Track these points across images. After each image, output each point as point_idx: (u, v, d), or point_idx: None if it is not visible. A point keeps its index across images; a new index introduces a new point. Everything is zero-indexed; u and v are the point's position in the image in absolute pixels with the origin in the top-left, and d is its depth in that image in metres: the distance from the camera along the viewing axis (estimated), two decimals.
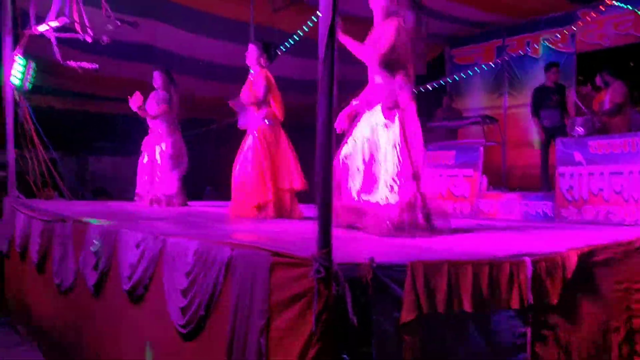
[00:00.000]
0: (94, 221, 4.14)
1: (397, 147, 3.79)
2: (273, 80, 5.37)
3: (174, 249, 3.03)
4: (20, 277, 5.70)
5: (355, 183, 3.99)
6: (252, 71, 5.51)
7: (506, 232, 4.49)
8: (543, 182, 7.56)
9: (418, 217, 3.76)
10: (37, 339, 5.04)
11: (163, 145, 6.63)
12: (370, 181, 3.92)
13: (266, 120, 5.29)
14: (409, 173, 3.81)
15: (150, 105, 6.66)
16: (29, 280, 5.36)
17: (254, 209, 5.07)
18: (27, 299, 5.45)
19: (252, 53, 5.41)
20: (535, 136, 8.69)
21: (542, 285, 2.63)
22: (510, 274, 2.53)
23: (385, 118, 3.84)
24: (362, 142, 3.98)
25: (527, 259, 2.61)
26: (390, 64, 3.88)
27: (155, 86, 6.71)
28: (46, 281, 4.77)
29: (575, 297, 2.78)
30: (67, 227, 4.41)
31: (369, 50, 3.87)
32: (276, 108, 5.32)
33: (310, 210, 4.90)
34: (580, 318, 2.78)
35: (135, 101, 6.48)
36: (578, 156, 5.93)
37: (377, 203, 3.79)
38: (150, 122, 6.74)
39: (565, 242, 3.18)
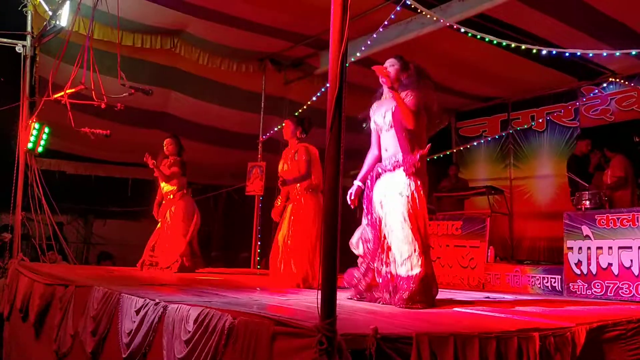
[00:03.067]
0: (96, 286, 4.09)
1: (414, 218, 3.75)
2: (316, 153, 5.46)
3: (175, 315, 2.97)
4: (19, 341, 5.59)
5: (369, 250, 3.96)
6: (290, 145, 5.63)
7: (514, 305, 4.40)
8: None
9: (432, 288, 3.72)
10: None
11: (173, 209, 6.71)
12: (383, 250, 3.88)
13: (308, 190, 5.39)
14: (425, 244, 3.77)
15: (164, 170, 6.81)
16: (28, 344, 5.25)
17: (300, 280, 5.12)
18: None
19: (288, 127, 5.58)
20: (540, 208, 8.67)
21: None
22: (519, 349, 2.46)
23: (404, 187, 3.80)
24: (377, 213, 3.95)
25: (536, 334, 2.54)
26: (412, 133, 3.91)
27: (167, 152, 6.86)
28: (44, 346, 4.67)
29: None
30: (68, 291, 4.35)
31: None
32: (316, 179, 5.39)
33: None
34: None
35: (149, 159, 6.65)
36: (586, 230, 5.88)
37: (395, 274, 3.73)
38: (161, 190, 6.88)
39: (575, 317, 3.10)
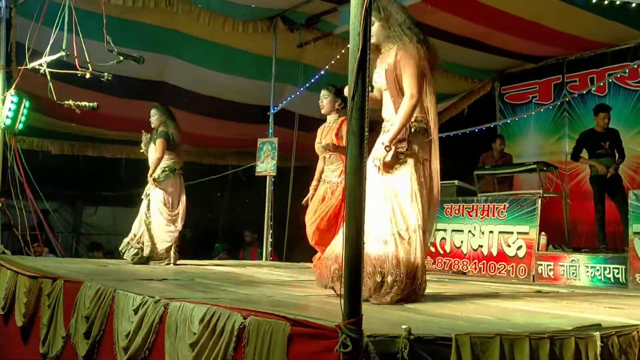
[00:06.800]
0: (88, 281, 4.15)
1: (410, 196, 3.69)
2: None
3: (178, 315, 3.00)
4: (1, 344, 5.71)
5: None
6: (329, 120, 5.66)
7: (570, 300, 4.37)
8: (599, 240, 7.47)
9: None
10: None
11: (157, 191, 6.80)
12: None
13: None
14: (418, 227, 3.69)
15: (151, 147, 6.91)
16: (11, 347, 5.36)
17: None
18: None
19: (327, 99, 5.61)
20: None
21: None
22: (576, 351, 2.45)
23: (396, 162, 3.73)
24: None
25: (597, 334, 2.52)
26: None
27: (153, 125, 6.95)
28: (31, 349, 4.77)
29: None
30: (57, 287, 4.43)
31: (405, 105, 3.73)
32: None
33: None
34: None
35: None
36: None
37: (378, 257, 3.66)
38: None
39: None
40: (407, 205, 3.67)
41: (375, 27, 3.85)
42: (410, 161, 3.73)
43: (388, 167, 3.69)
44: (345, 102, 5.51)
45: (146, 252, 6.70)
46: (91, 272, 5.07)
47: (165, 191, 6.79)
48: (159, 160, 6.75)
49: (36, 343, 4.60)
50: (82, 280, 4.21)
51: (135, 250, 6.71)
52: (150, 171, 6.76)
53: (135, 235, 6.82)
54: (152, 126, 6.98)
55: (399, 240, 3.60)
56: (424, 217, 3.71)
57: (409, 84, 3.71)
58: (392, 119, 3.80)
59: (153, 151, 6.84)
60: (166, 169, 6.83)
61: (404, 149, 3.71)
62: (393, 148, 3.67)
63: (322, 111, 5.67)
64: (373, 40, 3.87)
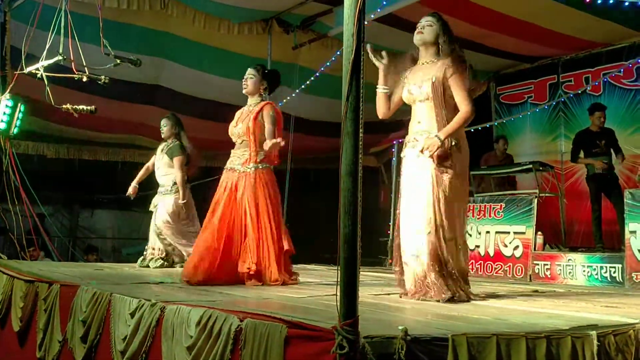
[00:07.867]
0: (84, 285, 4.15)
1: (439, 194, 3.87)
2: (281, 116, 5.32)
3: (174, 318, 3.00)
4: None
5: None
6: (250, 103, 5.37)
7: (567, 299, 4.38)
8: (596, 240, 7.50)
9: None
10: None
11: (166, 201, 6.76)
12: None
13: (262, 164, 5.11)
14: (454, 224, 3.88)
15: (162, 159, 6.88)
16: (8, 352, 5.35)
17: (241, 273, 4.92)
18: None
19: (253, 80, 5.34)
20: None
21: None
22: (573, 351, 2.45)
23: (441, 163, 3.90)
24: (406, 183, 4.09)
25: (593, 333, 2.52)
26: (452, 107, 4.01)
27: (163, 136, 6.91)
28: (28, 354, 4.75)
29: None
30: (53, 291, 4.42)
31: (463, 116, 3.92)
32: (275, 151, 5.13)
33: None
34: None
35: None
36: None
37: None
38: (159, 177, 6.92)
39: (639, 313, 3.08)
40: (453, 209, 3.89)
41: (431, 29, 4.03)
42: (452, 169, 3.93)
43: (437, 159, 3.87)
44: (271, 85, 5.36)
45: (171, 260, 6.77)
46: (87, 276, 5.06)
47: (175, 203, 6.71)
48: (183, 179, 6.70)
49: (33, 347, 4.58)
50: (78, 284, 4.20)
51: (161, 262, 6.72)
52: (180, 195, 6.63)
53: (152, 248, 6.82)
54: (163, 136, 6.92)
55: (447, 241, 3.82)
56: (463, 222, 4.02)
57: (464, 99, 3.93)
58: (432, 130, 3.94)
59: (163, 163, 6.82)
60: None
61: (451, 155, 3.91)
62: (446, 143, 3.85)
63: (244, 91, 5.37)
64: (419, 37, 4.06)
